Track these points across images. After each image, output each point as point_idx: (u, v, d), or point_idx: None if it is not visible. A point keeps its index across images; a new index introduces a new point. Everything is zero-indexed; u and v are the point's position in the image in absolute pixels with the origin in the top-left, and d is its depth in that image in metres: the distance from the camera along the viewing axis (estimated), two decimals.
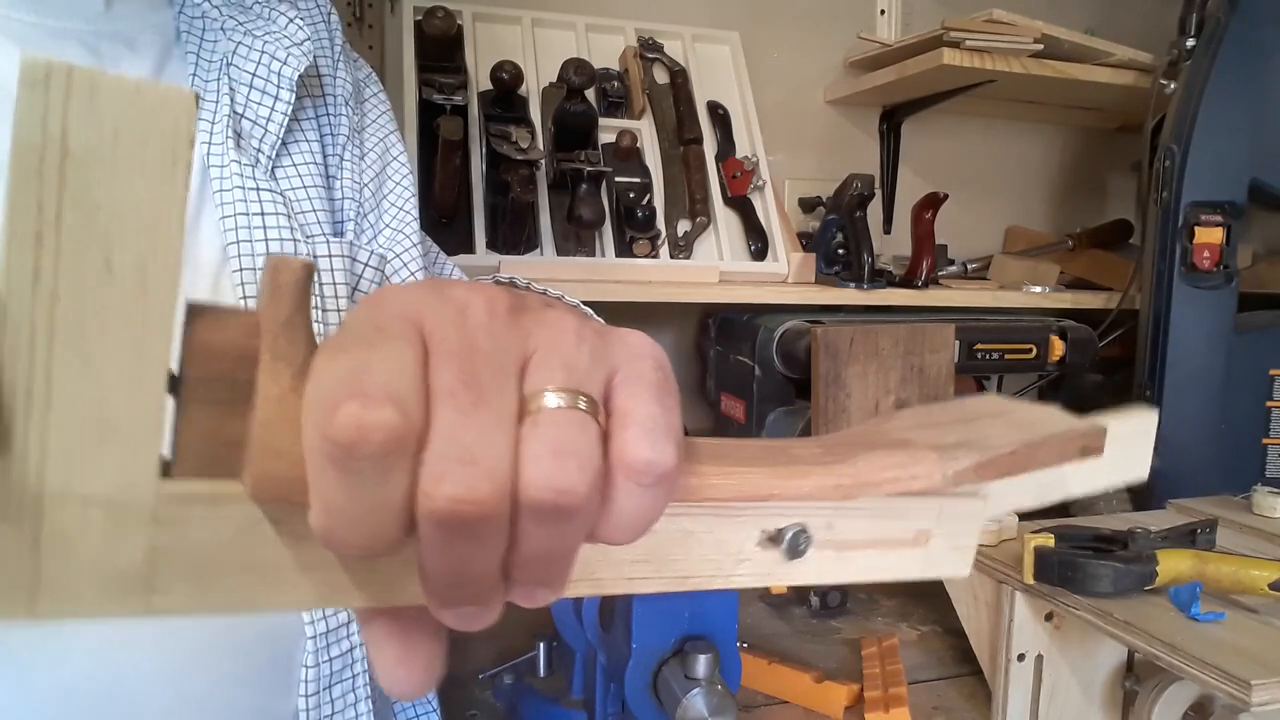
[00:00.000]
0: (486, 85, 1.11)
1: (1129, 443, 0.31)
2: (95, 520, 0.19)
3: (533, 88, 1.15)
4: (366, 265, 0.54)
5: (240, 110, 0.51)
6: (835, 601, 1.03)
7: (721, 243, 1.18)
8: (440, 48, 1.11)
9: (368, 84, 0.62)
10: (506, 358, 0.21)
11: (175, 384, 0.20)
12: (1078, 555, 0.73)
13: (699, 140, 1.21)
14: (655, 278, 1.10)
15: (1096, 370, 1.27)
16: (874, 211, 1.31)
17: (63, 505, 0.19)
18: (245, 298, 0.47)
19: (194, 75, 0.51)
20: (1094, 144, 1.60)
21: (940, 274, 1.32)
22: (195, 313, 0.21)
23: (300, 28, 0.53)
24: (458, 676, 0.87)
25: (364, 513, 0.19)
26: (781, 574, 0.26)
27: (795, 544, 0.25)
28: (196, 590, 0.20)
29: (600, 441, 0.20)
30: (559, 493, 0.19)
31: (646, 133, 1.19)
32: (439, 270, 0.68)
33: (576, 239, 1.10)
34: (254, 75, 0.51)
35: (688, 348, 1.36)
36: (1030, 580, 0.74)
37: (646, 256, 1.12)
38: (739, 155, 1.23)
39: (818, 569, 0.26)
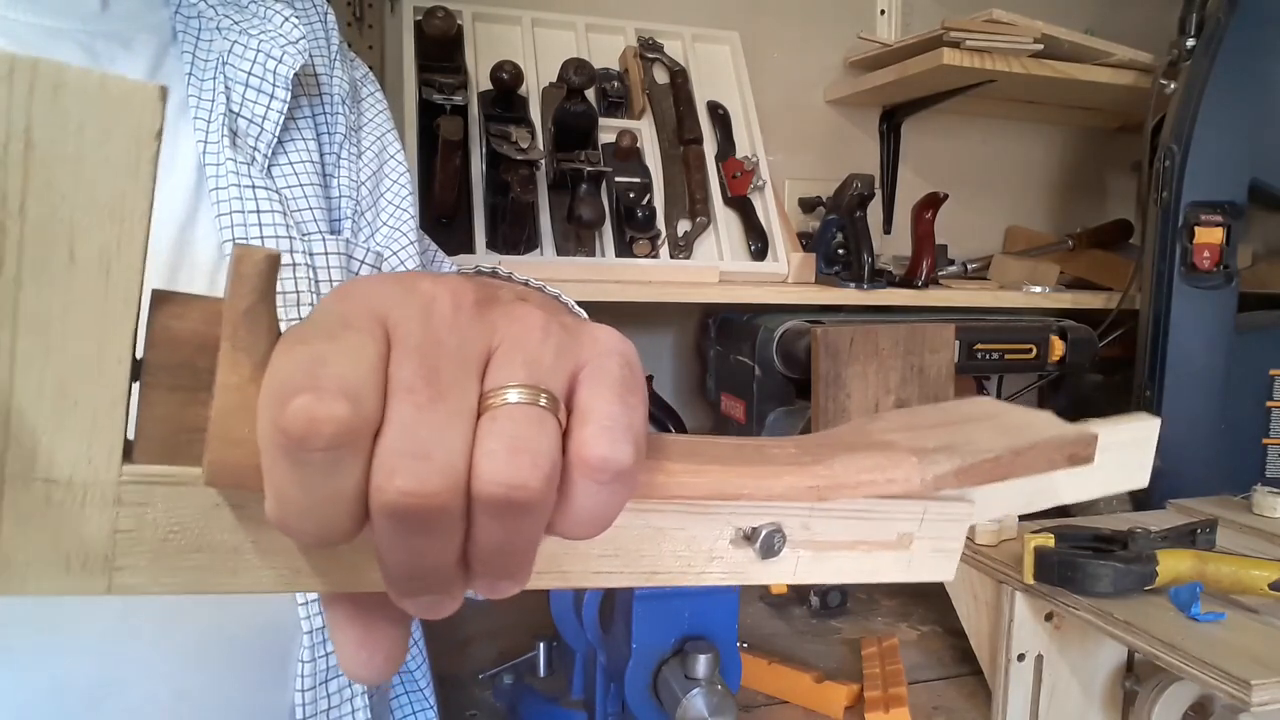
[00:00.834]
0: (486, 85, 1.11)
1: (1126, 451, 0.31)
2: (57, 499, 0.20)
3: (533, 88, 1.15)
4: (363, 263, 0.54)
5: (236, 109, 0.51)
6: (835, 601, 1.03)
7: (721, 243, 1.18)
8: (440, 48, 1.11)
9: (364, 83, 0.62)
10: (469, 353, 0.21)
11: (138, 369, 0.21)
12: (1078, 555, 0.73)
13: (699, 140, 1.21)
14: (655, 278, 1.10)
15: (1096, 370, 1.27)
16: (874, 211, 1.31)
17: (25, 485, 0.19)
18: None
19: (190, 74, 0.51)
20: (1094, 144, 1.60)
21: (940, 274, 1.32)
22: (159, 299, 0.21)
23: (295, 26, 0.53)
24: (458, 676, 0.87)
25: (316, 503, 0.19)
26: (756, 573, 0.26)
27: (769, 543, 0.25)
28: (157, 571, 0.21)
29: (558, 438, 0.20)
30: (512, 488, 0.19)
31: (646, 133, 1.19)
32: (436, 269, 0.68)
33: (576, 239, 1.10)
34: (249, 74, 0.51)
35: (688, 348, 1.36)
36: (1030, 580, 0.74)
37: (646, 256, 1.12)
38: (739, 155, 1.23)
39: (794, 569, 0.26)
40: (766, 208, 1.23)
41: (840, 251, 1.21)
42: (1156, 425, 0.31)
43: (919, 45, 1.24)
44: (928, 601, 1.05)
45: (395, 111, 0.65)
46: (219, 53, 0.52)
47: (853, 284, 1.17)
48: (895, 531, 0.27)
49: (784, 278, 1.19)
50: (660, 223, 1.14)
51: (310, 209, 0.53)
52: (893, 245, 1.42)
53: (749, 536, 0.25)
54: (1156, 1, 1.36)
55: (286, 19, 0.54)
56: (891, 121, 1.44)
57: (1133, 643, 0.67)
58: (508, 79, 1.06)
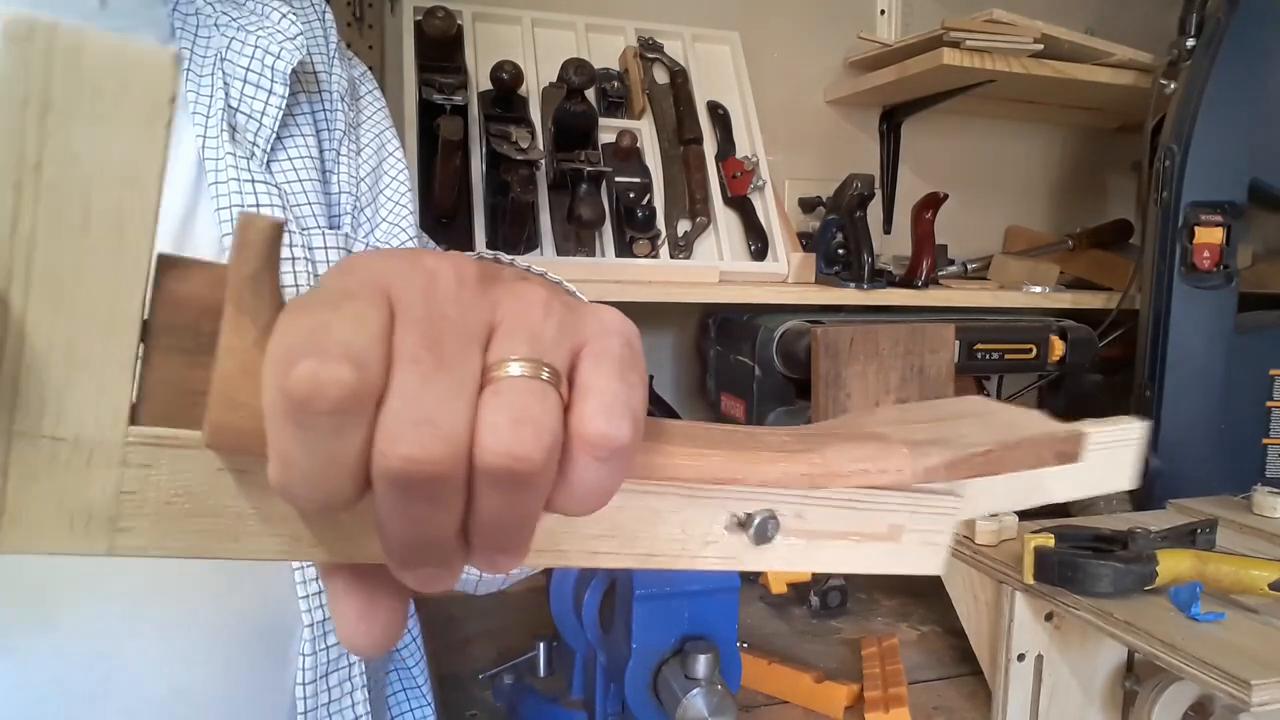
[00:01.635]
0: (486, 85, 1.10)
1: (1113, 451, 0.31)
2: (63, 458, 0.20)
3: (533, 88, 1.15)
4: None
5: (235, 105, 0.51)
6: (835, 601, 1.03)
7: (721, 243, 1.18)
8: (440, 48, 1.11)
9: (363, 81, 0.63)
10: (472, 326, 0.21)
11: (144, 331, 0.21)
12: (1078, 555, 0.73)
13: (699, 140, 1.21)
14: (655, 278, 1.10)
15: (1096, 370, 1.27)
16: (874, 211, 1.31)
17: (33, 442, 0.19)
18: None
19: (188, 71, 0.51)
20: (1094, 144, 1.60)
21: (940, 274, 1.32)
22: (165, 263, 0.21)
23: (293, 22, 0.54)
24: (458, 676, 0.87)
25: (319, 468, 0.19)
26: (749, 559, 0.26)
27: (763, 529, 0.26)
28: (159, 533, 0.21)
29: (560, 412, 0.21)
30: (514, 459, 0.19)
31: (646, 133, 1.19)
32: None
33: (576, 239, 1.10)
34: (248, 70, 0.52)
35: (688, 348, 1.36)
36: (1030, 580, 0.74)
37: (646, 256, 1.12)
38: (739, 155, 1.23)
39: (786, 556, 0.26)
40: (766, 208, 1.23)
41: (840, 251, 1.21)
42: (1144, 427, 0.32)
43: (919, 45, 1.24)
44: (928, 601, 1.05)
45: (395, 111, 0.65)
46: (217, 49, 0.52)
47: (853, 284, 1.17)
48: (886, 523, 0.27)
49: (784, 278, 1.19)
50: (660, 223, 1.14)
51: (309, 204, 0.53)
52: (893, 245, 1.42)
53: (743, 522, 0.26)
54: (1156, 1, 1.36)
55: (284, 16, 0.54)
56: (891, 121, 1.44)
57: (1133, 643, 0.67)
58: (508, 79, 1.06)
